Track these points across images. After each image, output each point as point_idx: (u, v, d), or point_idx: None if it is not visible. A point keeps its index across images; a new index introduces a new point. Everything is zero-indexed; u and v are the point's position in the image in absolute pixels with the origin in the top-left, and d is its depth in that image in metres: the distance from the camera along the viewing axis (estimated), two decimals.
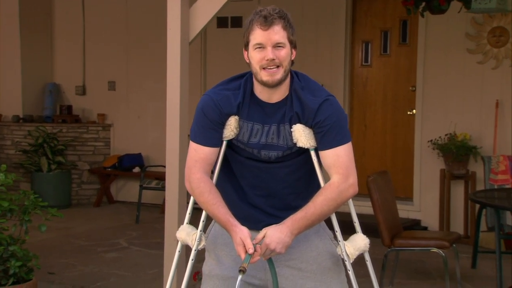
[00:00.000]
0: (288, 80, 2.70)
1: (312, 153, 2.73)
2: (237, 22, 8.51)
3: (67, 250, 6.80)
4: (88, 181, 9.31)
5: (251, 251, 2.51)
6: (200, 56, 8.65)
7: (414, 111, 7.79)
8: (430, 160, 7.56)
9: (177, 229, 2.91)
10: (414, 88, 7.78)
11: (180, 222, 4.25)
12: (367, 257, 2.91)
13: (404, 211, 7.17)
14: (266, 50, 2.60)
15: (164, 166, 7.63)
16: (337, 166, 2.68)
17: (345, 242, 2.80)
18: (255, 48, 2.62)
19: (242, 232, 2.56)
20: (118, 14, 9.26)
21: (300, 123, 2.68)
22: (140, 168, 8.81)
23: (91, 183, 9.32)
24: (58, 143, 8.91)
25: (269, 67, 2.61)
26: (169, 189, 4.43)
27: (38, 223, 4.62)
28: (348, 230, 2.88)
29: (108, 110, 9.46)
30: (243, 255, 2.52)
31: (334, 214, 2.81)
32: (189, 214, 2.95)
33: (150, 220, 8.16)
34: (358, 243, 2.81)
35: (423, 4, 6.77)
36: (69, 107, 9.51)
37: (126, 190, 9.29)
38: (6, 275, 4.42)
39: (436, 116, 7.56)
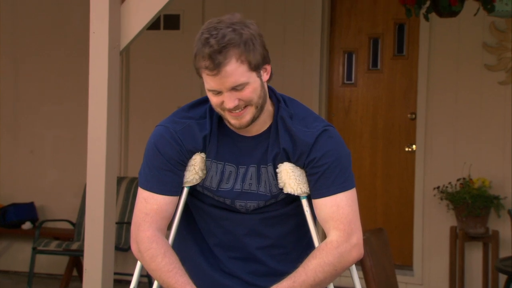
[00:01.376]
0: (269, 108, 2.78)
1: (304, 202, 2.80)
2: (172, 22, 8.55)
3: None
4: None
5: None
6: (120, 68, 8.59)
7: (414, 147, 7.92)
8: (436, 215, 7.68)
9: None
10: (414, 116, 7.91)
11: None
12: None
13: (402, 283, 7.21)
14: (224, 95, 2.64)
15: (68, 221, 7.76)
16: (337, 219, 2.74)
17: None
18: (208, 91, 2.69)
19: None
20: (3, 15, 9.19)
21: (289, 161, 2.75)
22: (33, 224, 8.74)
23: None
24: None
25: (233, 113, 2.66)
26: (89, 254, 4.42)
27: None
28: None
29: None
30: None
31: (332, 286, 2.86)
32: (136, 282, 2.97)
33: None
34: None
35: (428, 3, 6.65)
36: None
37: (11, 254, 9.20)
38: None
39: (444, 155, 7.69)
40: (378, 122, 8.17)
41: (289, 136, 2.75)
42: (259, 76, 2.69)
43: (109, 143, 4.38)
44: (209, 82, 2.64)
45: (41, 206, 9.03)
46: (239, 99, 2.63)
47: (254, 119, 2.70)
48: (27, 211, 9.00)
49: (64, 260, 8.39)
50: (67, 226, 7.88)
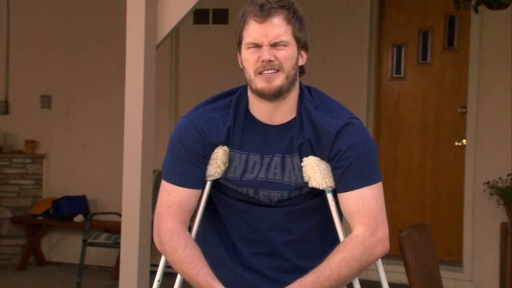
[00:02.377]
0: (295, 96, 2.74)
1: (329, 196, 2.76)
2: (221, 16, 8.58)
3: None
4: (9, 234, 9.25)
5: None
6: (169, 63, 8.71)
7: (464, 141, 7.84)
8: (487, 210, 7.59)
9: None
10: (464, 110, 7.84)
11: None
12: None
13: (451, 280, 7.17)
14: (262, 49, 2.63)
15: (117, 214, 7.75)
16: (362, 214, 2.69)
17: None
18: (248, 48, 2.67)
19: None
20: (55, 10, 9.27)
21: (314, 154, 2.71)
22: (84, 217, 8.81)
23: (13, 237, 9.26)
24: None
25: (265, 71, 2.64)
26: (125, 246, 4.45)
27: None
28: None
29: (41, 135, 9.45)
30: None
31: (357, 281, 2.82)
32: (158, 281, 2.94)
33: None
34: None
35: None
36: None
37: (64, 247, 9.27)
38: None
39: (495, 149, 7.61)
40: (428, 116, 8.10)
41: (313, 127, 2.72)
42: (298, 50, 2.69)
43: (145, 136, 4.37)
44: (252, 33, 2.64)
45: (92, 199, 9.12)
46: (275, 58, 2.62)
47: (282, 89, 2.67)
48: (79, 204, 9.06)
49: (114, 253, 8.41)
50: (117, 219, 7.86)
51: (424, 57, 8.09)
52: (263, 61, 2.62)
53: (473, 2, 6.71)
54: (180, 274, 2.77)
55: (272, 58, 2.62)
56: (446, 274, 6.03)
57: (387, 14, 8.20)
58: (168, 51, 8.56)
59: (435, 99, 8.06)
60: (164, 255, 2.80)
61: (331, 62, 7.79)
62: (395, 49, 8.19)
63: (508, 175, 7.36)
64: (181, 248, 2.70)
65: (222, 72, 7.85)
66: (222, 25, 8.55)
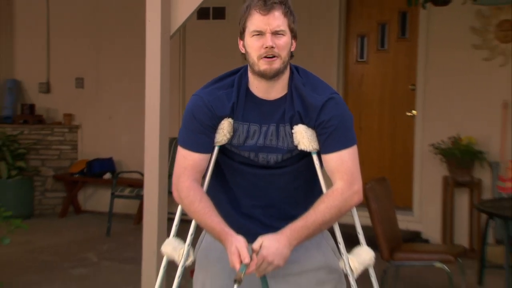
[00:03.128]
0: (287, 76, 2.69)
1: (315, 157, 2.72)
2: (219, 13, 8.54)
3: (30, 266, 6.75)
4: (52, 188, 9.26)
5: (246, 260, 2.46)
6: (178, 51, 8.63)
7: (414, 112, 7.82)
8: (431, 166, 7.59)
9: (157, 242, 2.86)
10: (414, 87, 7.80)
11: (160, 234, 4.28)
12: (372, 272, 2.88)
13: (404, 222, 7.12)
14: (265, 37, 2.58)
15: (138, 172, 7.75)
16: (342, 171, 2.66)
17: (349, 256, 2.79)
18: (253, 35, 2.61)
19: (238, 241, 2.51)
20: (87, 5, 9.21)
21: (302, 123, 2.67)
22: (112, 174, 8.80)
23: (56, 191, 9.26)
24: (19, 147, 8.85)
25: (267, 56, 2.59)
26: (147, 198, 4.40)
27: (0, 236, 4.59)
28: (349, 243, 2.85)
29: (76, 109, 9.42)
30: (237, 266, 2.47)
31: (337, 225, 2.80)
32: (176, 226, 2.91)
33: (122, 232, 8.13)
34: (363, 256, 2.79)
35: None
36: (32, 106, 9.45)
37: (96, 198, 9.26)
38: None
39: (439, 118, 7.59)
40: (385, 92, 8.08)
41: (301, 101, 2.68)
42: (291, 39, 2.65)
43: (162, 110, 4.34)
44: (256, 23, 2.59)
45: (118, 160, 9.12)
46: (276, 45, 2.58)
47: (279, 72, 2.63)
48: (107, 164, 9.07)
49: (136, 203, 8.42)
50: (138, 176, 7.84)
51: (382, 45, 8.06)
52: (266, 47, 2.58)
53: (421, 0, 6.72)
54: (197, 222, 2.73)
55: (274, 45, 2.58)
56: (400, 217, 6.00)
57: (353, 10, 8.14)
58: (177, 41, 8.51)
59: (390, 78, 8.03)
60: (183, 207, 2.76)
61: (310, 49, 7.70)
62: (359, 38, 8.14)
63: (449, 138, 7.35)
64: (197, 202, 2.66)
65: (220, 57, 7.83)
66: (220, 20, 8.51)
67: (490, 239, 6.45)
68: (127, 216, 8.71)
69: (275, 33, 2.59)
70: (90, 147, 9.31)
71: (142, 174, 7.77)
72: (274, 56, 2.59)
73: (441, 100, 7.59)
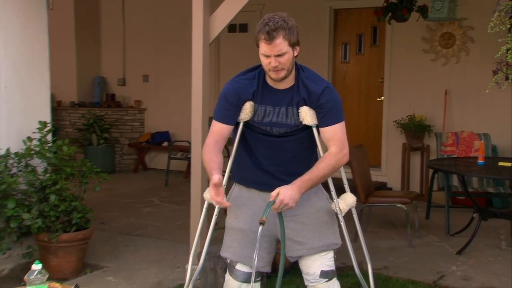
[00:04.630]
0: (293, 73, 2.60)
1: (314, 130, 2.64)
2: (243, 28, 8.43)
3: (113, 206, 6.76)
4: (127, 152, 9.22)
5: (273, 197, 2.42)
6: (215, 54, 8.53)
7: (382, 98, 7.68)
8: (394, 136, 7.49)
9: (201, 191, 2.80)
10: (382, 80, 7.67)
11: (202, 185, 4.21)
12: (354, 211, 2.85)
13: (374, 175, 6.98)
14: (271, 58, 2.49)
15: (187, 141, 7.70)
16: (335, 139, 2.59)
17: (338, 200, 2.73)
18: (261, 55, 2.53)
19: (215, 175, 2.45)
20: (151, 20, 9.12)
21: (306, 105, 2.59)
22: (168, 143, 8.74)
23: (130, 154, 9.23)
24: (105, 123, 8.83)
25: (274, 70, 2.51)
26: (194, 159, 4.34)
27: (92, 185, 4.55)
28: (338, 191, 2.80)
29: (143, 97, 9.35)
30: (212, 191, 2.43)
31: (330, 179, 2.75)
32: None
33: (176, 183, 8.08)
34: (348, 200, 2.75)
35: (390, 14, 6.75)
36: (113, 95, 9.42)
37: (157, 159, 9.21)
38: (69, 224, 4.39)
39: (399, 102, 7.47)
40: (362, 84, 7.93)
41: (306, 89, 2.59)
42: (293, 51, 2.53)
43: (204, 97, 4.25)
44: (264, 48, 2.49)
45: (173, 132, 9.06)
46: (279, 62, 2.48)
47: (285, 77, 2.55)
48: (165, 135, 9.03)
49: (185, 163, 8.38)
50: (186, 144, 7.80)
51: (360, 50, 7.88)
52: (272, 66, 2.50)
53: (387, 18, 6.68)
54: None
55: (277, 64, 2.49)
56: (372, 172, 5.95)
57: (338, 25, 7.98)
58: (215, 48, 8.41)
59: (365, 74, 7.88)
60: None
61: (307, 53, 7.52)
62: (343, 45, 7.97)
63: (407, 116, 7.26)
64: (207, 153, 2.59)
65: (244, 58, 7.64)
66: (244, 33, 8.38)
67: (435, 187, 6.37)
68: (179, 172, 8.67)
69: (278, 55, 2.48)
70: (153, 123, 9.24)
71: (189, 142, 7.76)
72: (279, 70, 2.51)
73: (401, 89, 7.46)
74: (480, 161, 5.34)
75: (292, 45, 2.51)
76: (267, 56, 2.49)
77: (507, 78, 3.55)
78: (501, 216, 5.37)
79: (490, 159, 5.73)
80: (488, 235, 5.50)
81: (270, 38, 2.45)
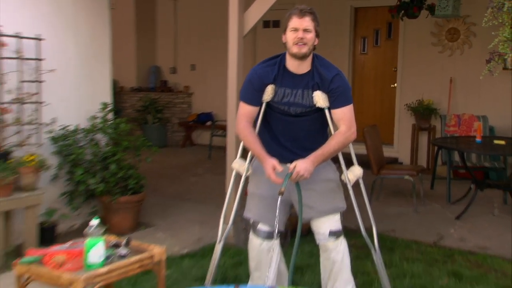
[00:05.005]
0: (310, 59, 2.60)
1: (326, 111, 2.64)
2: (276, 24, 8.34)
3: (164, 175, 6.84)
4: (177, 130, 9.31)
5: (291, 169, 2.44)
6: (253, 47, 8.49)
7: (395, 84, 7.56)
8: (405, 118, 7.37)
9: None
10: (396, 69, 7.54)
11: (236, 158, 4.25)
12: (361, 182, 2.84)
13: (387, 151, 6.94)
14: (299, 32, 2.50)
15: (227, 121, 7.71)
16: (344, 119, 2.58)
17: (347, 171, 2.74)
18: (291, 30, 2.53)
19: (272, 160, 2.49)
20: (196, 18, 9.12)
21: (319, 89, 2.58)
22: (211, 122, 8.78)
23: (179, 132, 9.31)
24: (158, 105, 8.94)
25: (299, 43, 2.51)
26: (229, 136, 4.38)
27: (145, 156, 4.64)
28: (347, 164, 2.79)
29: (191, 83, 9.39)
30: (273, 177, 2.45)
31: (340, 153, 2.74)
32: (240, 151, 2.91)
33: (217, 157, 8.11)
34: (356, 171, 2.76)
35: (402, 12, 6.63)
36: (165, 82, 9.48)
37: (202, 136, 9.28)
38: (126, 189, 4.50)
39: (410, 88, 7.33)
40: (378, 72, 7.81)
41: (319, 75, 2.59)
42: (315, 37, 2.55)
43: (238, 82, 4.24)
44: (295, 22, 2.51)
45: (215, 113, 9.07)
46: (305, 37, 2.50)
47: (306, 55, 2.54)
48: (209, 116, 9.05)
49: (225, 139, 8.32)
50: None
51: (376, 43, 7.76)
52: (299, 37, 2.51)
53: (400, 15, 6.57)
54: (245, 144, 2.67)
55: (303, 37, 2.50)
56: (385, 149, 5.87)
57: (358, 22, 7.85)
58: (252, 42, 8.37)
59: (381, 64, 7.75)
60: (239, 135, 2.70)
61: (330, 46, 7.51)
62: (362, 39, 7.85)
63: (416, 100, 7.14)
64: (248, 136, 2.61)
65: (276, 50, 7.63)
66: (276, 28, 8.29)
67: (439, 162, 6.28)
68: (220, 148, 8.64)
69: (305, 30, 2.50)
70: (199, 105, 9.29)
71: None
72: (303, 44, 2.51)
73: (412, 77, 7.32)
74: (478, 139, 5.26)
75: (316, 31, 2.53)
76: (296, 30, 2.50)
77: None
78: (495, 187, 5.28)
79: (487, 138, 5.62)
80: (483, 203, 5.41)
81: (302, 14, 2.50)
